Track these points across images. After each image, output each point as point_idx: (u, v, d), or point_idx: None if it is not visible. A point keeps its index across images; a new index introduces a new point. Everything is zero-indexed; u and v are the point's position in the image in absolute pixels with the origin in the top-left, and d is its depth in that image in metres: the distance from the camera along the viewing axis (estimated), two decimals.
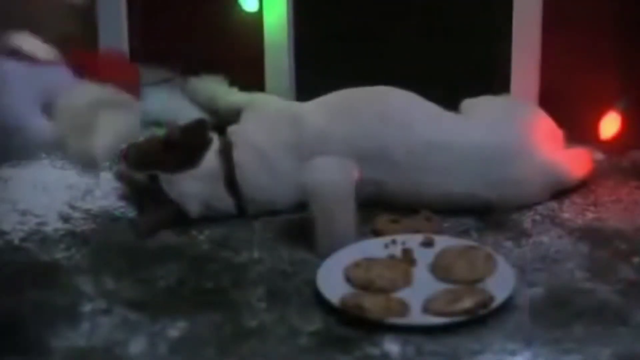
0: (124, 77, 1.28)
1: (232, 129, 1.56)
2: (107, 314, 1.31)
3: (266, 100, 1.66)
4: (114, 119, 1.22)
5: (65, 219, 1.54)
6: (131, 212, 1.56)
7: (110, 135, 1.21)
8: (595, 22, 1.68)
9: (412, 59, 1.80)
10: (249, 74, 1.80)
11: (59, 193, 1.60)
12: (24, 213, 1.56)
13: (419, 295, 1.31)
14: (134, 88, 1.25)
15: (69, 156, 1.20)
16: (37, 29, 1.90)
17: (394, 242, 1.44)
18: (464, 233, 1.49)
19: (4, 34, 1.26)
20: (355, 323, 1.27)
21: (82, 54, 1.37)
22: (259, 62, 1.84)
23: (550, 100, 1.69)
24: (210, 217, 1.51)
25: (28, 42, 1.28)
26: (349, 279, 1.36)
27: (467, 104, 1.61)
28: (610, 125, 1.66)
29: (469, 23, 1.78)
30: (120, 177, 1.57)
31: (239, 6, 1.85)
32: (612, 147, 1.67)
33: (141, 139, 1.57)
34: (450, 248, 1.41)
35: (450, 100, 1.60)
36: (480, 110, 1.59)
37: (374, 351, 1.23)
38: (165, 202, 1.49)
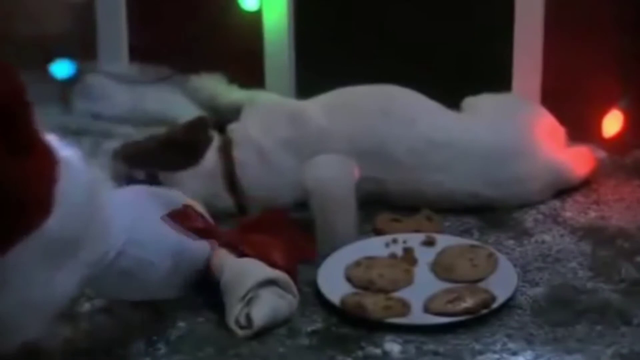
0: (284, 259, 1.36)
1: (232, 127, 1.56)
2: (107, 313, 1.31)
3: (266, 98, 1.66)
4: (274, 297, 1.27)
5: None
6: None
7: (267, 309, 1.26)
8: (597, 20, 1.67)
9: (413, 58, 1.80)
10: (248, 72, 1.79)
11: None
12: None
13: (420, 294, 1.31)
14: (292, 270, 1.33)
15: (226, 315, 1.26)
16: (37, 27, 1.90)
17: (394, 241, 1.43)
18: (465, 232, 1.48)
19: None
20: (355, 323, 1.26)
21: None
22: (259, 61, 1.84)
23: (552, 98, 1.68)
24: (211, 216, 1.50)
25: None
26: (349, 278, 1.35)
27: (469, 102, 1.61)
28: (612, 123, 1.66)
29: (471, 22, 1.77)
30: (118, 176, 1.56)
31: (239, 5, 1.85)
32: (614, 145, 1.66)
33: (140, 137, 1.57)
34: (452, 247, 1.40)
35: (451, 100, 1.59)
36: (482, 108, 1.59)
37: (375, 351, 1.22)
38: None
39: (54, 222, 1.05)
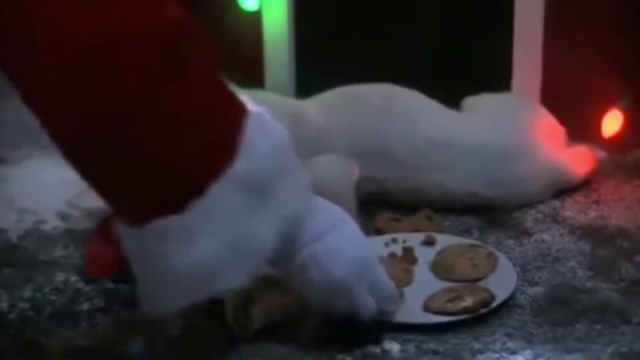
0: None
1: None
2: (106, 312, 1.31)
3: (266, 97, 1.65)
4: (275, 295, 1.25)
5: (64, 217, 1.53)
6: None
7: (267, 308, 1.25)
8: (597, 19, 1.67)
9: (412, 58, 1.80)
10: (248, 72, 1.79)
11: (58, 191, 1.58)
12: (22, 211, 1.55)
13: (420, 293, 1.31)
14: None
15: (226, 314, 1.24)
16: None
17: (394, 240, 1.43)
18: (465, 232, 1.48)
19: None
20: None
21: None
22: (259, 60, 1.84)
23: (552, 98, 1.68)
24: None
25: None
26: None
27: (469, 102, 1.61)
28: (612, 123, 1.66)
29: (470, 22, 1.77)
30: None
31: (239, 5, 1.84)
32: (614, 145, 1.66)
33: None
34: (451, 246, 1.40)
35: (451, 100, 1.59)
36: (482, 108, 1.59)
37: (374, 350, 1.22)
38: None
39: (243, 164, 1.07)
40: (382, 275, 1.22)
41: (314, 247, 1.15)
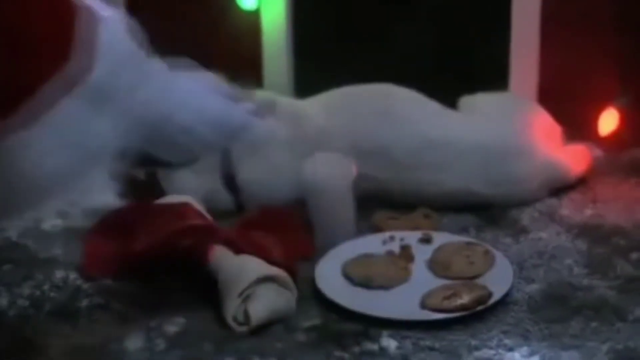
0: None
1: None
2: (104, 309, 1.31)
3: (265, 97, 1.66)
4: (272, 293, 1.27)
5: (63, 215, 1.54)
6: None
7: (265, 306, 1.26)
8: (594, 18, 1.68)
9: (411, 58, 1.80)
10: (247, 72, 1.80)
11: None
12: None
13: (417, 291, 1.31)
14: (290, 267, 1.33)
15: (224, 312, 1.27)
16: None
17: (392, 238, 1.44)
18: (462, 230, 1.48)
19: None
20: (353, 319, 1.27)
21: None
22: (258, 60, 1.84)
23: (549, 97, 1.69)
24: (209, 213, 1.50)
25: None
26: (347, 275, 1.36)
27: (465, 101, 1.61)
28: (609, 122, 1.66)
29: (468, 21, 1.78)
30: (117, 174, 1.56)
31: (238, 4, 1.85)
32: (611, 144, 1.67)
33: None
34: (448, 244, 1.41)
35: (449, 99, 1.60)
36: (479, 107, 1.60)
37: (372, 347, 1.23)
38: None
39: (98, 73, 1.10)
40: (226, 111, 1.29)
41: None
